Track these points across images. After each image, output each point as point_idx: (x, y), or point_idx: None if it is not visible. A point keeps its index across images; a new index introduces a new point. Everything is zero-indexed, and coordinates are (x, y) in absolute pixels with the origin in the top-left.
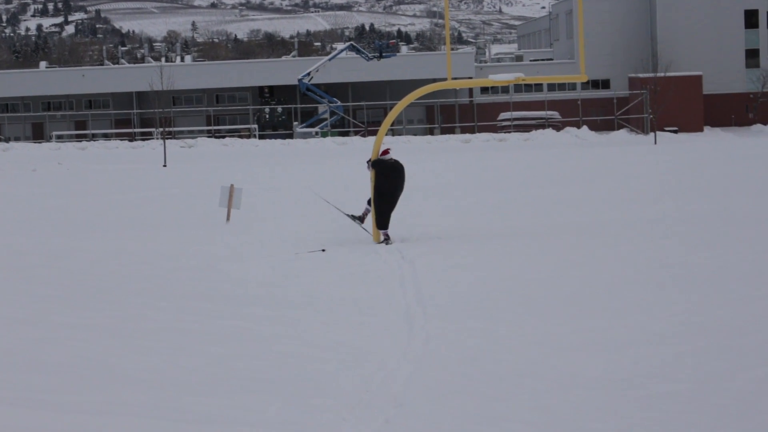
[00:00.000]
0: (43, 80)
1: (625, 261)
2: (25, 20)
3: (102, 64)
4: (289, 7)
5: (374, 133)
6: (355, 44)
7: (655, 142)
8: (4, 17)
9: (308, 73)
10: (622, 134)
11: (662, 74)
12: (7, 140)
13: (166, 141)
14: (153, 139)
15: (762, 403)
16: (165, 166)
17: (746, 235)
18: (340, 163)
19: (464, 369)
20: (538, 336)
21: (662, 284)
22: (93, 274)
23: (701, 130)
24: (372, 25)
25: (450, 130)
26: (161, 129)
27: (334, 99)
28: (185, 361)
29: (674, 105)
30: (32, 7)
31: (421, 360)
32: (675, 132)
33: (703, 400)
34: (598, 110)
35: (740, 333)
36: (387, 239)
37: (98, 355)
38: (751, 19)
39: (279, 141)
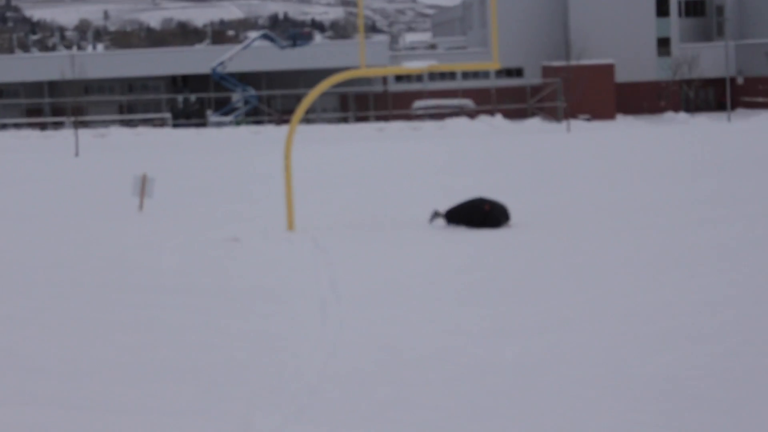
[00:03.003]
0: None
1: (536, 248)
2: None
3: (12, 53)
4: None
5: (288, 121)
6: (268, 33)
7: (569, 130)
8: None
9: (222, 62)
10: (535, 122)
11: (575, 63)
12: None
13: (78, 130)
14: (65, 128)
15: (675, 386)
16: (77, 155)
17: (655, 221)
18: (254, 152)
19: (378, 356)
20: (452, 323)
21: (573, 271)
22: (1, 264)
23: (613, 117)
24: (286, 13)
25: (364, 119)
26: (73, 118)
27: (248, 87)
28: (96, 350)
29: (587, 93)
30: None
31: (335, 347)
32: (588, 120)
33: (618, 384)
34: (512, 98)
35: (648, 320)
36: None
37: (7, 345)
38: (661, 7)
39: (193, 130)
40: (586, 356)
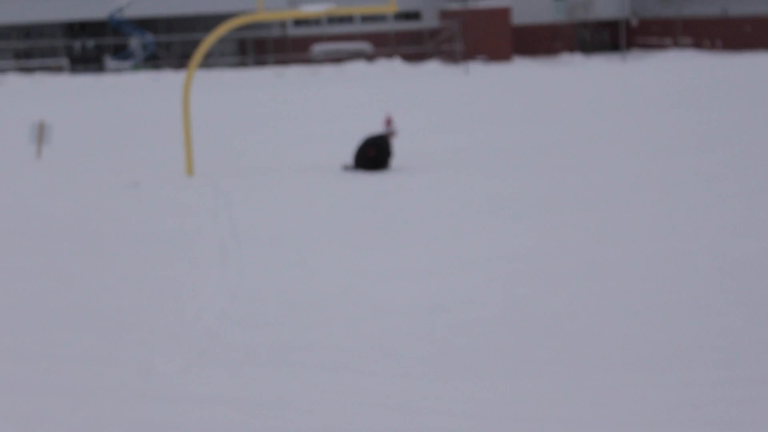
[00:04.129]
0: None
1: (435, 189)
2: None
3: None
4: None
5: (186, 66)
6: None
7: (467, 73)
8: None
9: (120, 8)
10: (434, 65)
11: (472, 6)
12: None
13: None
14: None
15: (568, 324)
16: None
17: (552, 162)
18: (153, 97)
19: (278, 299)
20: (351, 264)
21: (472, 212)
22: None
23: (510, 59)
24: None
25: (263, 63)
26: None
27: (147, 33)
28: None
29: (484, 36)
30: None
31: (235, 291)
32: (485, 62)
33: (513, 323)
34: (410, 42)
35: (546, 258)
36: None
37: None
38: None
39: (91, 76)
40: (485, 296)
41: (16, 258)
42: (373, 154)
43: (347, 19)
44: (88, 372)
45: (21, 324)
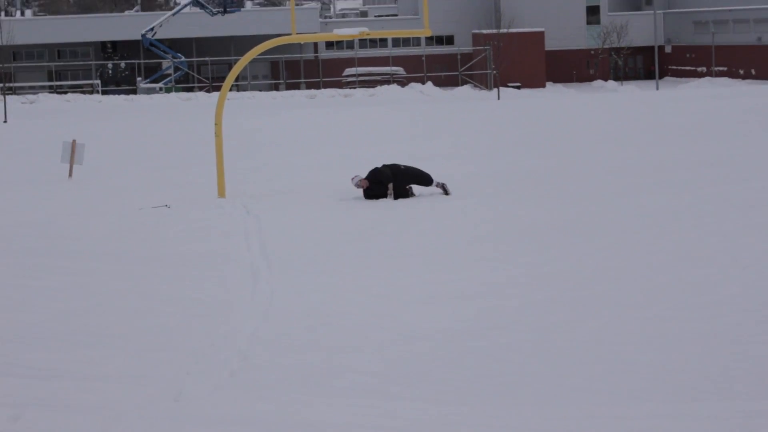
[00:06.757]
0: None
1: (467, 215)
2: None
3: None
4: None
5: (218, 88)
6: None
7: (498, 98)
8: None
9: (152, 28)
10: (466, 90)
11: (505, 30)
12: None
13: (7, 96)
14: None
15: (601, 351)
16: (5, 122)
17: (585, 190)
18: (185, 119)
19: (309, 322)
20: (383, 289)
21: (504, 238)
22: None
23: (543, 85)
24: None
25: (295, 86)
26: (1, 84)
27: (178, 54)
28: (26, 316)
29: (517, 61)
30: None
31: (266, 314)
32: (518, 88)
33: (545, 350)
34: (443, 66)
35: (579, 285)
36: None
37: None
38: None
39: (122, 96)
40: (517, 322)
41: (45, 277)
42: (367, 186)
43: (380, 43)
44: (118, 391)
45: (50, 343)
